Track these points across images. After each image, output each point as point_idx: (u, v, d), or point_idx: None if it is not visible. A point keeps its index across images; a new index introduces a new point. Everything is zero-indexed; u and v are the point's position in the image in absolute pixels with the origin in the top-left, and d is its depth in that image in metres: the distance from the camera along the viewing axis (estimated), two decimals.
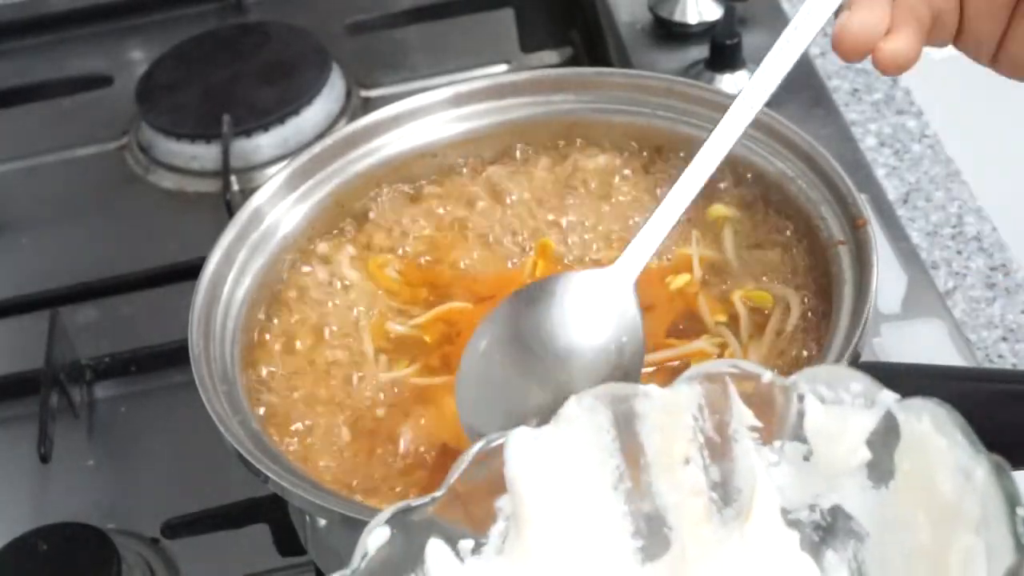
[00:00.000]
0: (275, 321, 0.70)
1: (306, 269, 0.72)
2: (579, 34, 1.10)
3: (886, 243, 0.83)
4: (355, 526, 0.57)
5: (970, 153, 0.94)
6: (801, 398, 0.47)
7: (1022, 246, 0.87)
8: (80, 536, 0.73)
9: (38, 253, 0.99)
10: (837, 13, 0.56)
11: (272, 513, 0.74)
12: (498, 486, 0.47)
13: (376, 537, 0.45)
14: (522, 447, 0.47)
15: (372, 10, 1.15)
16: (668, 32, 0.99)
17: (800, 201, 0.68)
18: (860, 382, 0.46)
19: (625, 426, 0.49)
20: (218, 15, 1.17)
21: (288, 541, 0.73)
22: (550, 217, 0.73)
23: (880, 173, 0.90)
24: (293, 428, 0.65)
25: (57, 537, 0.73)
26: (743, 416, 0.48)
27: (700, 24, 0.99)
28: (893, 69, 0.56)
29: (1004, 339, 0.80)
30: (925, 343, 0.78)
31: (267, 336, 0.69)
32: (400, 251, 0.73)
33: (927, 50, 0.58)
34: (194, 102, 1.04)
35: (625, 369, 0.57)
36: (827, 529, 0.48)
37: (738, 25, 0.98)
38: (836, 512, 0.48)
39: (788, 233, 0.69)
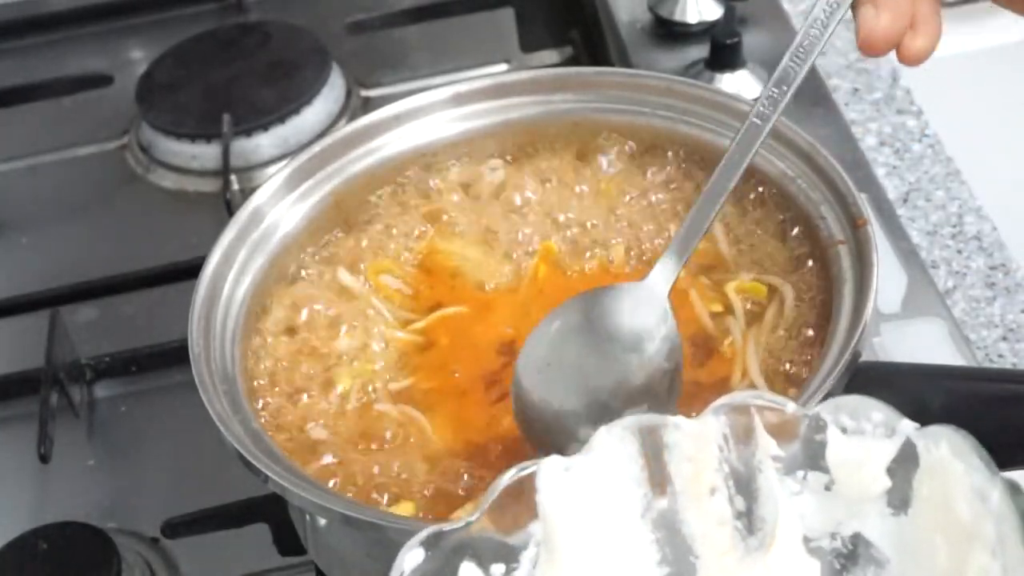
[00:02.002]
0: (274, 322, 0.70)
1: (306, 270, 0.72)
2: (579, 34, 1.10)
3: (886, 243, 0.83)
4: (355, 526, 0.57)
5: (970, 153, 0.94)
6: (823, 428, 0.48)
7: (1022, 246, 0.87)
8: (80, 536, 0.73)
9: (38, 253, 0.99)
10: (854, 7, 0.56)
11: (272, 513, 0.74)
12: (530, 512, 0.48)
13: (412, 557, 0.46)
14: (553, 476, 0.48)
15: (372, 10, 1.15)
16: (668, 32, 0.99)
17: (800, 201, 0.68)
18: (881, 411, 0.47)
19: (654, 456, 0.50)
20: (218, 15, 1.17)
21: (288, 541, 0.73)
22: (551, 218, 0.73)
23: (880, 173, 0.90)
24: (293, 428, 0.65)
25: (57, 537, 0.73)
26: (767, 446, 0.49)
27: (700, 24, 0.99)
28: (916, 64, 0.57)
29: (1004, 338, 0.80)
30: (925, 343, 0.78)
31: (268, 338, 0.69)
32: (399, 253, 0.73)
33: None
34: (194, 102, 1.04)
35: (672, 369, 0.62)
36: (848, 556, 0.49)
37: (738, 25, 0.98)
38: (857, 539, 0.49)
39: (787, 232, 0.69)
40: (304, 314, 0.70)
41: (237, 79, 1.05)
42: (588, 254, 0.72)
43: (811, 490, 0.49)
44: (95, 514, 0.77)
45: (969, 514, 0.45)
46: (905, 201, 0.89)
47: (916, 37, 0.56)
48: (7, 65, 1.15)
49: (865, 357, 0.60)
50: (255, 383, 0.67)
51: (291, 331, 0.69)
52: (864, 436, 0.48)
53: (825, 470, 0.49)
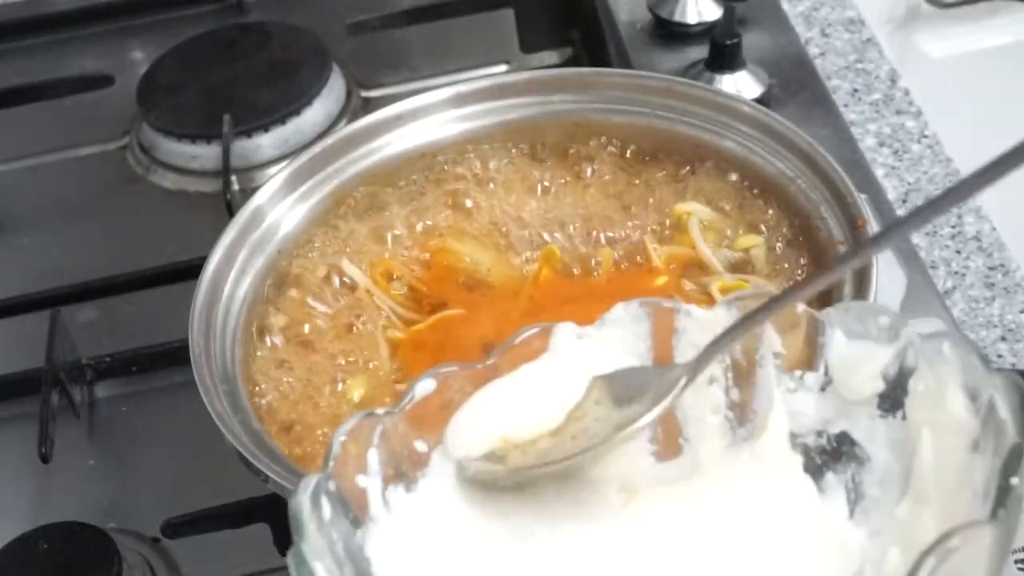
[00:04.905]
0: (275, 322, 0.70)
1: (306, 272, 0.72)
2: (579, 34, 1.10)
3: None
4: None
5: (970, 153, 0.94)
6: (829, 330, 0.49)
7: (1021, 246, 0.87)
8: (80, 536, 0.73)
9: (39, 253, 0.99)
10: None
11: (272, 513, 0.74)
12: None
13: (423, 387, 0.50)
14: (567, 338, 0.51)
15: (372, 10, 1.15)
16: (668, 32, 0.99)
17: (800, 201, 0.68)
18: (888, 316, 0.48)
19: (661, 338, 0.51)
20: (218, 15, 1.17)
21: (288, 541, 0.73)
22: (551, 220, 0.73)
23: (879, 173, 0.90)
24: (293, 429, 0.65)
25: (58, 537, 0.73)
26: (772, 342, 0.50)
27: (700, 24, 0.99)
28: None
29: (1003, 339, 0.80)
30: None
31: (268, 338, 0.69)
32: (400, 254, 0.73)
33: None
34: (195, 102, 1.04)
35: None
36: (830, 453, 0.50)
37: (738, 25, 0.98)
38: (842, 438, 0.50)
39: (785, 231, 0.69)
40: (305, 315, 0.70)
41: (237, 80, 1.05)
42: (591, 259, 0.72)
43: (806, 389, 0.50)
44: (95, 514, 0.77)
45: (959, 409, 0.45)
46: (904, 202, 0.89)
47: None
48: (8, 66, 1.15)
49: None
50: (256, 383, 0.67)
51: (293, 331, 0.69)
52: (867, 340, 0.48)
53: (824, 371, 0.49)
